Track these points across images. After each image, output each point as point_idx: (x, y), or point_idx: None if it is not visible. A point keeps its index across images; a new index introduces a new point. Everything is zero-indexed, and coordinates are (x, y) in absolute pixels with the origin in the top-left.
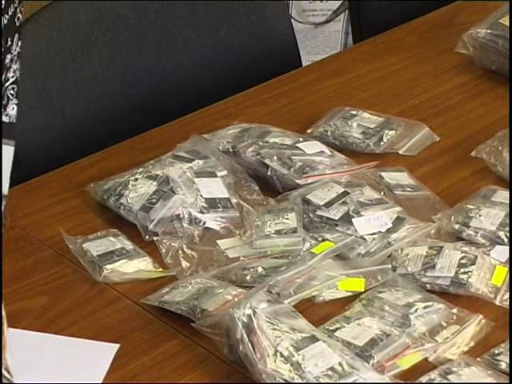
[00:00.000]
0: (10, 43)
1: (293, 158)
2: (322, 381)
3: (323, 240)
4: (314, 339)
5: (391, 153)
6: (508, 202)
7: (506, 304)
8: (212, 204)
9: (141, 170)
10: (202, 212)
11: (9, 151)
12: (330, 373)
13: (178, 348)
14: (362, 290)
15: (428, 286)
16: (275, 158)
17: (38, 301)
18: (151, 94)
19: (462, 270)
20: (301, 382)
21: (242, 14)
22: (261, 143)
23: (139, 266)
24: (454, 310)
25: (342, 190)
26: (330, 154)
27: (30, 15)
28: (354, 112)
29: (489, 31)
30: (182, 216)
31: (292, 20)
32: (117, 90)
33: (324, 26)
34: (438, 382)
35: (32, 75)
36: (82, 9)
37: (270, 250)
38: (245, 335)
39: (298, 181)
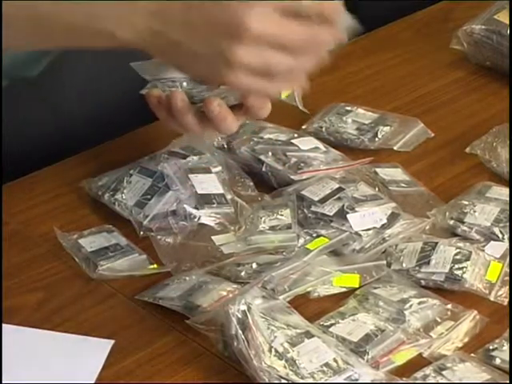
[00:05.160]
0: None
1: (287, 153)
2: (316, 377)
3: (318, 236)
4: (308, 335)
5: (386, 149)
6: (503, 198)
7: (501, 300)
8: (207, 200)
9: (135, 165)
10: (196, 208)
11: None
12: (324, 369)
13: (173, 344)
14: (357, 286)
15: (423, 281)
16: (270, 153)
17: (32, 297)
18: None
19: (456, 266)
20: (295, 378)
21: None
22: (255, 139)
23: (134, 262)
24: (449, 306)
25: (337, 185)
26: (324, 149)
27: None
28: (349, 108)
29: (483, 27)
30: (176, 212)
31: None
32: (111, 85)
33: None
34: (433, 382)
35: None
36: None
37: (264, 246)
38: (239, 331)
39: (292, 177)
